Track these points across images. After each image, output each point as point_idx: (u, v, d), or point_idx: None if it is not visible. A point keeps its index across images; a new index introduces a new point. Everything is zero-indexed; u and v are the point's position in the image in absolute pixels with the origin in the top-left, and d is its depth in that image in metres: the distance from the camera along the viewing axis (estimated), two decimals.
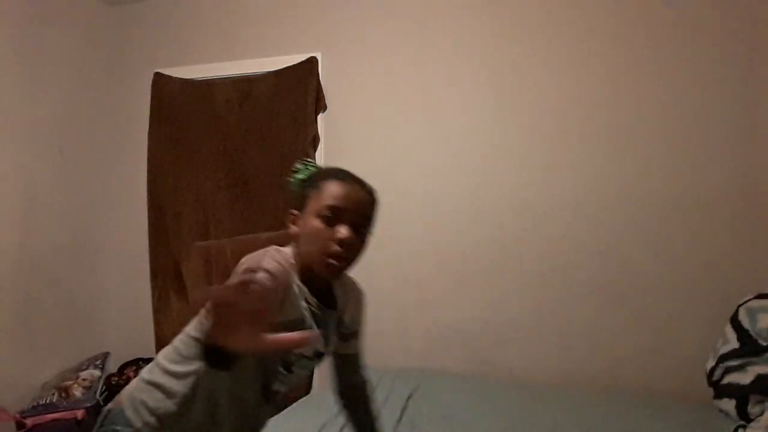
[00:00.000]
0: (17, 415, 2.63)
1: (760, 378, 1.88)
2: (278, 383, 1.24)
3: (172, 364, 1.19)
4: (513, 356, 2.65)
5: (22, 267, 2.87)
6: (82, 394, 2.82)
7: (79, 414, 2.68)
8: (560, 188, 2.60)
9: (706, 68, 2.41)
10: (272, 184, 3.07)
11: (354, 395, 1.60)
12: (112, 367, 3.17)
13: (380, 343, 2.87)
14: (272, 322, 1.07)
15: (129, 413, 1.18)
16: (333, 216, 1.17)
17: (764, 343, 1.93)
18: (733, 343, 2.02)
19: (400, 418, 2.00)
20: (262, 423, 1.33)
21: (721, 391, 2.02)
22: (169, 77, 3.30)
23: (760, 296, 2.07)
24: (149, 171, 3.30)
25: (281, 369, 1.21)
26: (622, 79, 2.52)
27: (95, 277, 3.31)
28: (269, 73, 3.09)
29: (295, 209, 1.25)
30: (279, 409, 1.32)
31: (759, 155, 2.34)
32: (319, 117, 3.01)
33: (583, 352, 2.54)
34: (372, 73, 2.93)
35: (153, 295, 3.22)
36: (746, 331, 2.00)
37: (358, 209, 1.22)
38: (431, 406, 2.10)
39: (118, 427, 1.18)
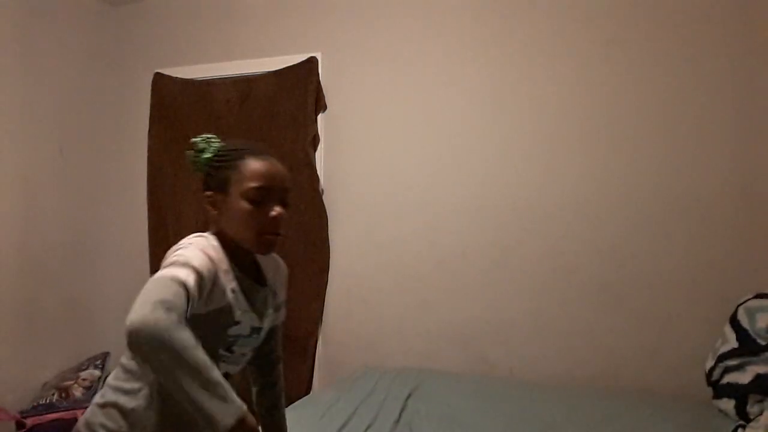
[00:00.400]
0: (17, 415, 2.64)
1: (759, 377, 1.88)
2: (224, 365, 1.24)
3: (122, 382, 1.20)
4: (513, 356, 2.65)
5: (22, 267, 2.87)
6: (82, 394, 2.82)
7: (79, 414, 2.68)
8: (560, 188, 2.60)
9: (706, 68, 2.41)
10: None
11: (265, 368, 1.55)
12: (112, 367, 3.16)
13: (380, 343, 2.88)
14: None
15: None
16: (262, 196, 1.19)
17: (763, 343, 1.94)
18: (732, 343, 2.02)
19: (399, 418, 2.00)
20: None
21: (720, 390, 2.02)
22: (169, 77, 3.30)
23: (759, 296, 2.07)
24: (149, 171, 3.31)
25: (223, 351, 1.22)
26: (622, 80, 2.52)
27: (95, 277, 3.31)
28: (269, 73, 3.09)
29: (210, 190, 1.23)
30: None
31: (759, 155, 2.34)
32: (319, 117, 3.01)
33: (583, 352, 2.55)
34: (372, 73, 2.93)
35: None
36: (745, 330, 2.00)
37: (282, 183, 1.23)
38: (431, 406, 2.11)
39: None
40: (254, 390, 1.55)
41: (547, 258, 2.62)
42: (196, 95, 3.24)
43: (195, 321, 1.07)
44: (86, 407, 2.83)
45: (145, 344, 0.93)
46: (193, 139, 1.26)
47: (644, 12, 2.50)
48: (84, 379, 2.90)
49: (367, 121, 2.94)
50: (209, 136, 1.28)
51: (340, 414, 2.00)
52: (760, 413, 1.82)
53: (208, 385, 0.93)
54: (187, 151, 1.26)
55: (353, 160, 2.95)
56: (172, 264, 1.05)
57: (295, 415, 2.00)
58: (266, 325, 1.34)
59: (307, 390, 2.90)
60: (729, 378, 1.99)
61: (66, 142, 3.15)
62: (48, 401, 2.74)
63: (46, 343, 2.99)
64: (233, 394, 0.97)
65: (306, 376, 2.93)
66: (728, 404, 1.95)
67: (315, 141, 3.00)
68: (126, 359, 1.23)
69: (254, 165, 1.20)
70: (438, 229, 2.79)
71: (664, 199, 2.45)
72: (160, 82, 3.32)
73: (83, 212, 3.25)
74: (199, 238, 1.17)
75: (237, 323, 1.21)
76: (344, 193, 2.96)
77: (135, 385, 1.19)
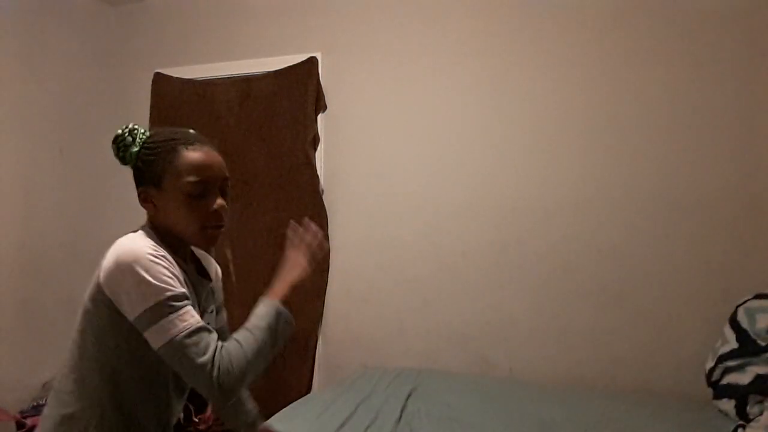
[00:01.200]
0: (17, 415, 2.64)
1: (759, 378, 1.88)
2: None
3: (64, 408, 1.16)
4: (513, 356, 2.66)
5: (22, 267, 2.88)
6: None
7: None
8: (560, 189, 2.60)
9: (707, 68, 2.41)
10: (272, 184, 3.06)
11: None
12: None
13: (380, 343, 2.88)
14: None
15: None
16: (201, 190, 1.15)
17: (763, 344, 1.94)
18: (732, 344, 2.02)
19: (400, 418, 2.01)
20: (175, 412, 1.30)
21: (720, 391, 2.02)
22: (169, 77, 3.30)
23: (758, 296, 2.07)
24: None
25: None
26: (622, 80, 2.52)
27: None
28: (269, 73, 3.09)
29: (142, 185, 1.18)
30: (184, 393, 1.31)
31: (759, 155, 2.34)
32: (319, 117, 3.01)
33: (583, 352, 2.55)
34: (372, 73, 2.93)
35: None
36: (745, 331, 2.00)
37: (221, 173, 1.19)
38: (431, 406, 2.11)
39: None
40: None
41: (547, 258, 2.62)
42: (196, 95, 3.24)
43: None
44: None
45: (240, 385, 1.07)
46: (118, 131, 1.18)
47: (645, 12, 2.50)
48: None
49: (367, 121, 2.94)
50: (133, 126, 1.19)
51: (340, 414, 2.00)
52: (760, 414, 1.82)
53: (271, 341, 1.16)
54: (112, 145, 1.18)
55: (353, 160, 2.95)
56: (151, 302, 1.03)
57: (295, 415, 2.00)
58: (210, 324, 1.28)
59: (307, 390, 2.91)
60: (729, 378, 1.99)
61: (66, 142, 3.15)
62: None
63: (46, 343, 2.99)
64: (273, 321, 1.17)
65: (306, 376, 2.93)
66: (728, 405, 1.96)
67: (315, 141, 3.00)
68: (63, 384, 1.19)
69: (189, 157, 1.14)
70: (438, 229, 2.79)
71: (665, 199, 2.45)
72: (160, 82, 3.32)
73: (83, 212, 3.25)
74: (139, 237, 1.12)
75: None
76: (344, 193, 2.96)
77: (75, 408, 1.14)
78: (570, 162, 2.59)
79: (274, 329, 1.17)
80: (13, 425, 2.61)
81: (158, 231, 1.19)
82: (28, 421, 2.61)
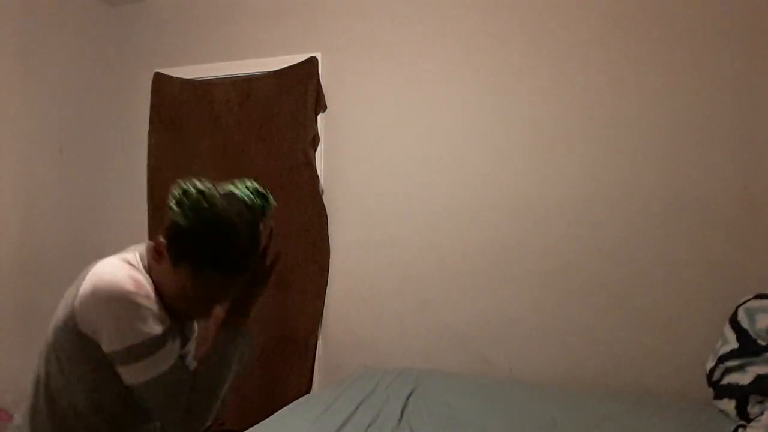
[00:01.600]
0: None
1: (759, 378, 1.88)
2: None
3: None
4: (513, 356, 2.65)
5: (22, 267, 2.87)
6: None
7: None
8: (560, 188, 2.60)
9: (707, 68, 2.41)
10: (272, 184, 3.04)
11: None
12: None
13: (380, 343, 2.88)
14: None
15: None
16: (203, 306, 1.17)
17: (763, 343, 1.94)
18: (733, 344, 2.02)
19: (401, 418, 2.00)
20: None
21: (720, 391, 2.02)
22: (169, 77, 3.30)
23: (759, 296, 2.07)
24: (149, 171, 3.30)
25: None
26: (621, 79, 2.52)
27: None
28: (269, 73, 3.09)
29: (169, 239, 1.11)
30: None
31: (759, 155, 2.34)
32: (319, 117, 3.01)
33: (583, 352, 2.55)
34: (372, 73, 2.93)
35: None
36: (745, 331, 2.00)
37: (237, 289, 1.18)
38: (431, 406, 2.10)
39: None
40: None
41: (547, 258, 2.62)
42: (196, 95, 3.24)
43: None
44: None
45: (206, 423, 1.10)
46: (187, 189, 1.09)
47: (645, 12, 2.50)
48: None
49: (367, 121, 2.94)
50: (197, 184, 1.09)
51: (341, 414, 1.99)
52: (761, 414, 1.81)
53: (237, 368, 1.17)
54: (172, 194, 1.09)
55: (353, 160, 2.95)
56: (137, 341, 1.04)
57: (295, 415, 2.00)
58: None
59: (307, 390, 2.90)
60: (729, 379, 1.99)
61: (66, 142, 3.15)
62: None
63: None
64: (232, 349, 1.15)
65: (306, 376, 2.93)
66: (729, 405, 1.95)
67: (315, 141, 3.00)
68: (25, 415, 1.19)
69: (215, 280, 1.10)
70: (438, 229, 2.79)
71: (665, 199, 2.45)
72: (160, 82, 3.32)
73: (83, 212, 3.25)
74: (117, 271, 1.11)
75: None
76: (344, 193, 2.96)
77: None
78: (570, 162, 2.59)
79: (240, 357, 1.20)
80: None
81: (149, 265, 1.18)
82: None
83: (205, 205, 1.07)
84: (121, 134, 3.44)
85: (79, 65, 3.26)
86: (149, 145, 3.32)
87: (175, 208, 1.09)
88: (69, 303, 1.12)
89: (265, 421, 1.93)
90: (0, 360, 2.75)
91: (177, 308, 1.16)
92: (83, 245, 3.24)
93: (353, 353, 2.91)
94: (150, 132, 3.32)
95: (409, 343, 2.82)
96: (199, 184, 1.09)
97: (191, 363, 1.29)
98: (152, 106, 3.32)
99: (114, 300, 1.05)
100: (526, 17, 2.68)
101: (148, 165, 3.30)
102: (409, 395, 2.22)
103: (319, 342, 2.97)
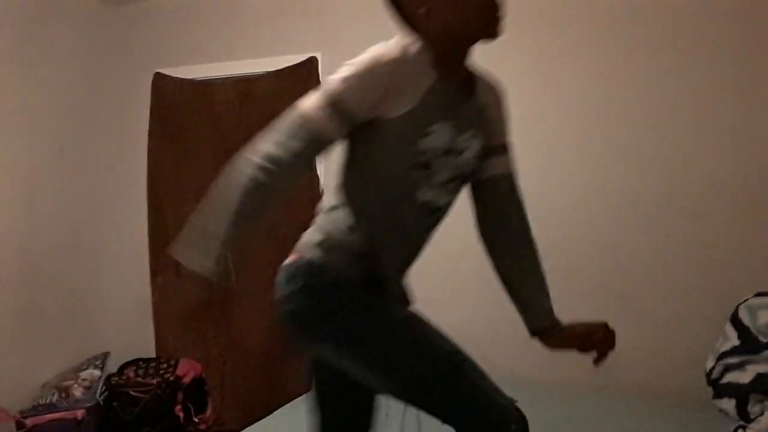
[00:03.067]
0: (17, 415, 2.63)
1: (759, 377, 1.88)
2: (424, 189, 1.21)
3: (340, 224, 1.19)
4: (513, 356, 2.65)
5: (22, 267, 2.87)
6: (82, 394, 2.82)
7: (79, 414, 2.68)
8: (560, 188, 2.60)
9: (708, 67, 2.41)
10: None
11: (511, 238, 1.39)
12: (112, 367, 3.16)
13: None
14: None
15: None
16: None
17: (764, 340, 1.94)
18: (734, 341, 2.02)
19: (403, 418, 2.00)
20: (425, 239, 1.35)
21: (720, 390, 2.02)
22: (169, 77, 3.30)
23: (759, 294, 2.07)
24: (149, 171, 3.30)
25: (417, 168, 1.15)
26: (621, 78, 2.52)
27: (95, 277, 3.31)
28: (269, 73, 3.09)
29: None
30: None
31: (759, 155, 2.34)
32: None
33: None
34: None
35: (153, 295, 3.21)
36: (747, 327, 2.00)
37: None
38: None
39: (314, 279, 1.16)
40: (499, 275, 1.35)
41: (548, 258, 2.59)
42: (196, 95, 3.24)
43: (383, 128, 1.07)
44: (86, 407, 2.84)
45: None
46: None
47: (644, 11, 2.50)
48: (84, 379, 2.90)
49: None
50: None
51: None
52: (761, 413, 1.81)
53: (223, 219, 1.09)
54: None
55: None
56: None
57: (295, 415, 2.00)
58: (468, 149, 1.23)
59: (307, 389, 2.90)
60: (729, 377, 1.99)
61: (66, 142, 3.15)
62: (48, 401, 2.73)
63: (46, 343, 2.98)
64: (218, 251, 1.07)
65: (306, 375, 2.92)
66: (729, 404, 1.95)
67: None
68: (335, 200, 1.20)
69: None
70: (438, 228, 2.78)
71: (665, 199, 2.45)
72: (160, 82, 3.32)
73: (83, 212, 3.25)
74: (391, 42, 1.10)
75: (427, 135, 1.12)
76: None
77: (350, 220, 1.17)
78: (570, 162, 2.59)
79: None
80: (13, 425, 2.61)
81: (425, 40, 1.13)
82: (28, 421, 2.60)
83: None
84: (121, 134, 3.44)
85: (79, 65, 3.26)
86: (149, 145, 3.32)
87: None
88: None
89: (265, 419, 1.93)
90: (0, 360, 2.74)
91: (483, 21, 1.21)
92: (83, 245, 3.24)
93: None
94: (150, 132, 3.32)
95: None
96: None
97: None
98: (152, 106, 3.32)
99: (360, 62, 1.10)
100: (523, 18, 2.67)
101: (148, 165, 3.30)
102: None
103: None
